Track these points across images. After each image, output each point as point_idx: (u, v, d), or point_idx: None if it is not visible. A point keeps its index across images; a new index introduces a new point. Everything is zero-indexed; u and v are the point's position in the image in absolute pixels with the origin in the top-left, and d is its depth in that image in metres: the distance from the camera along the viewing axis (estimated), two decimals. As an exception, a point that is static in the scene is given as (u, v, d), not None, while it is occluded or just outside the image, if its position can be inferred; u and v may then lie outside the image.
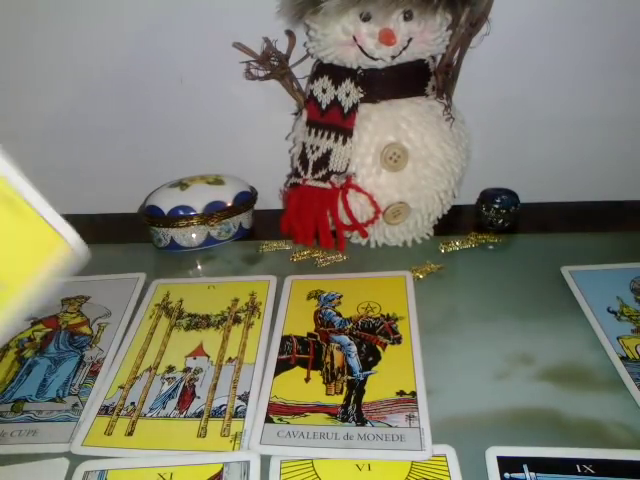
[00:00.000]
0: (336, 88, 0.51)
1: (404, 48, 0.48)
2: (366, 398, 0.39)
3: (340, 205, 0.53)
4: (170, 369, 0.44)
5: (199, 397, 0.41)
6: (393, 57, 0.49)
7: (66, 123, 0.63)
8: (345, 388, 0.40)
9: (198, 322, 0.48)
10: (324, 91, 0.52)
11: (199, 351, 0.45)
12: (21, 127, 0.64)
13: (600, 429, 0.36)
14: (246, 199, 0.59)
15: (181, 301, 0.51)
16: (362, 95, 0.51)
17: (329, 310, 0.48)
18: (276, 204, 0.65)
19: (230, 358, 0.44)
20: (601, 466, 0.33)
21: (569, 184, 0.62)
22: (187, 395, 0.41)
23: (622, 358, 0.41)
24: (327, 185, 0.52)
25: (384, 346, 0.44)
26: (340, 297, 0.50)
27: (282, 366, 0.43)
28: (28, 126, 0.64)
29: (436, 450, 0.35)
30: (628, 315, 0.45)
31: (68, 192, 0.68)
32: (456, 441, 0.36)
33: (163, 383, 0.42)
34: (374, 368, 0.42)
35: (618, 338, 0.43)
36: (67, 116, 0.63)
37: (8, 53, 0.59)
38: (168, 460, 0.36)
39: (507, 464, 0.34)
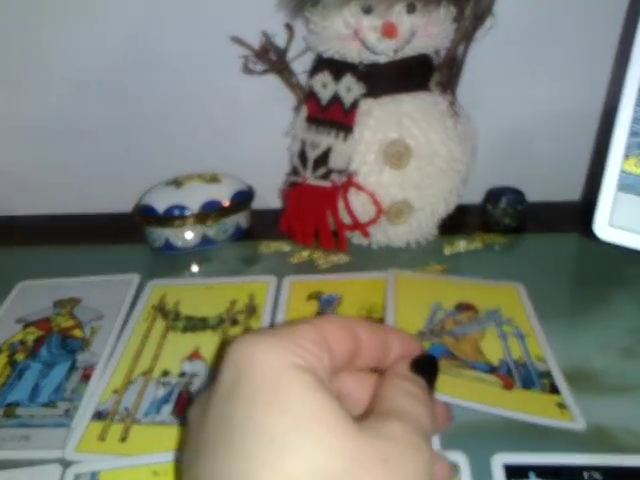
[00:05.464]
0: (337, 83, 0.51)
1: (407, 42, 0.48)
2: (369, 404, 0.39)
3: (341, 204, 0.52)
4: (165, 373, 0.43)
5: (195, 402, 0.40)
6: (395, 51, 0.48)
7: (59, 121, 0.63)
8: (347, 393, 0.40)
9: (195, 324, 0.48)
10: (324, 86, 0.51)
11: (196, 354, 0.44)
12: (14, 126, 0.63)
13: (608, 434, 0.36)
14: (243, 198, 0.59)
15: (177, 303, 0.50)
16: (364, 90, 0.50)
17: (329, 312, 0.47)
18: (275, 203, 0.64)
19: (227, 362, 0.43)
20: (608, 472, 0.33)
21: (577, 182, 0.62)
22: (183, 400, 0.40)
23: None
24: (327, 184, 0.52)
25: (387, 349, 0.43)
26: (341, 299, 0.49)
27: (281, 370, 0.42)
28: (20, 125, 0.63)
29: (444, 457, 0.34)
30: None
31: (60, 191, 0.67)
32: (462, 447, 0.35)
33: (158, 387, 0.42)
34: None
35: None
36: (60, 114, 0.62)
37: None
38: (163, 458, 0.35)
39: (513, 471, 0.33)
